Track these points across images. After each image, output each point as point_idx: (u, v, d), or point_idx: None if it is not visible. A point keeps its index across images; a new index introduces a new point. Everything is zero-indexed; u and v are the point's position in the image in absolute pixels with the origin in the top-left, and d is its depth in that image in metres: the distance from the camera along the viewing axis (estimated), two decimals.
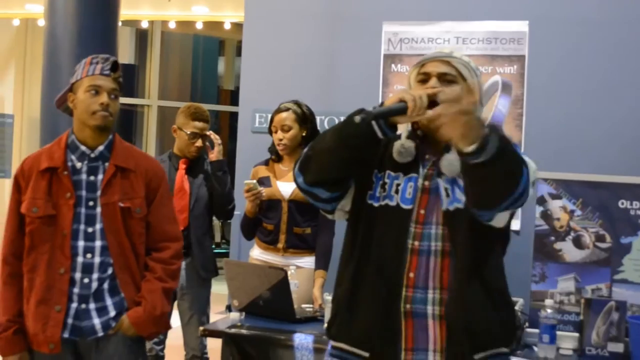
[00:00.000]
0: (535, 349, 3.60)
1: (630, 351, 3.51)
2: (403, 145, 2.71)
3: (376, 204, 2.70)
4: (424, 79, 2.72)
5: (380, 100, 5.60)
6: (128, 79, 11.72)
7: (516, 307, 3.69)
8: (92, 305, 3.26)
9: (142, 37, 11.51)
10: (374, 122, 2.57)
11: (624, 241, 3.76)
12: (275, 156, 4.72)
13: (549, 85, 5.30)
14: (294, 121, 4.61)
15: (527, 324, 3.78)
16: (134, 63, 11.72)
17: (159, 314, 3.33)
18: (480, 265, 2.62)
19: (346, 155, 2.63)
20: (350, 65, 5.76)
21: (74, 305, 3.25)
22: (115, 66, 3.34)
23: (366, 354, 2.66)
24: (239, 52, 12.19)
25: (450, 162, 2.61)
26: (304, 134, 4.64)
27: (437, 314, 2.60)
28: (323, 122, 5.60)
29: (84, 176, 3.31)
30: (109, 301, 3.29)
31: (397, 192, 2.70)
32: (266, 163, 4.78)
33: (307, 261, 4.56)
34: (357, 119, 2.52)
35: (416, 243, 2.64)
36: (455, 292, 2.59)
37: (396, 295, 2.62)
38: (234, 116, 12.22)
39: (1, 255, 3.37)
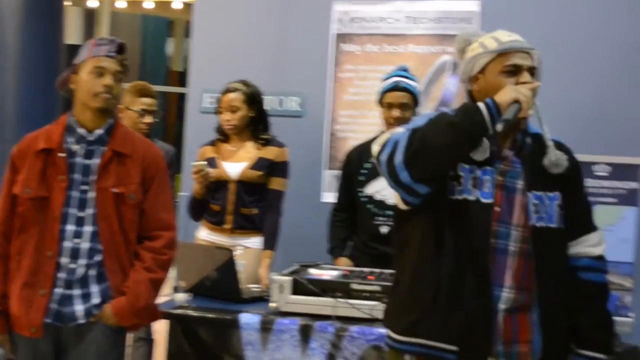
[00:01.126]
0: None
1: None
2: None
3: (457, 197, 2.68)
4: (513, 70, 2.75)
5: (329, 81, 5.57)
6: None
7: None
8: (76, 291, 3.20)
9: (89, 17, 11.35)
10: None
11: None
12: (223, 136, 4.67)
13: None
14: (243, 102, 4.57)
15: None
16: (82, 44, 11.57)
17: (143, 306, 3.24)
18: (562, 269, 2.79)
19: (465, 152, 2.63)
20: (300, 45, 5.72)
21: (59, 290, 3.18)
22: (121, 48, 3.28)
23: (456, 349, 2.66)
24: (188, 34, 12.07)
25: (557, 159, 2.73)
26: (251, 115, 4.60)
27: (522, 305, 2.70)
28: (273, 102, 5.57)
29: (79, 159, 3.24)
30: (94, 288, 3.21)
31: (474, 186, 2.69)
32: (212, 143, 4.73)
33: (255, 241, 4.54)
34: (498, 127, 2.56)
35: (493, 240, 2.67)
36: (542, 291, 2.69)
37: (488, 291, 2.65)
38: (182, 97, 12.10)
39: None
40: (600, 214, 3.66)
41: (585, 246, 2.81)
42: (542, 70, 2.84)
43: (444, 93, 5.37)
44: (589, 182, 3.76)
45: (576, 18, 5.25)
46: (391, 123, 4.24)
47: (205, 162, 4.55)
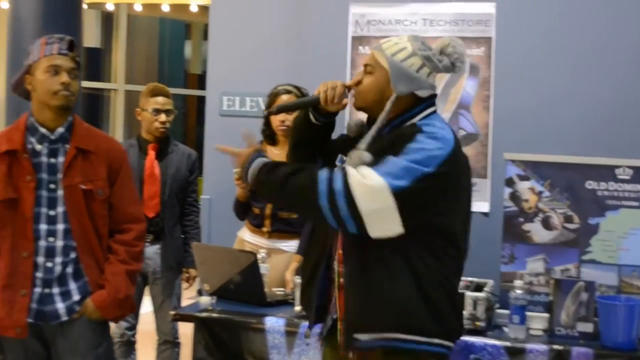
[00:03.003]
0: (506, 329, 3.62)
1: (599, 330, 3.53)
2: None
3: None
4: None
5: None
6: (94, 63, 11.62)
7: (486, 288, 3.72)
8: (55, 290, 3.25)
9: (107, 21, 11.40)
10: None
11: (592, 222, 3.78)
12: (269, 139, 4.68)
13: (517, 67, 5.31)
14: None
15: (497, 305, 3.80)
16: (100, 47, 11.60)
17: (123, 297, 3.32)
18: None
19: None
20: (317, 48, 5.73)
21: (38, 290, 3.23)
22: (71, 45, 3.30)
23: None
24: (205, 36, 12.08)
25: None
26: None
27: None
28: None
29: (44, 158, 3.28)
30: (72, 285, 3.27)
31: None
32: None
33: (293, 245, 4.54)
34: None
35: None
36: None
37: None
38: (201, 100, 12.15)
39: None
40: (624, 217, 3.70)
41: (353, 171, 2.84)
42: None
43: (462, 96, 5.37)
44: (611, 186, 3.75)
45: (593, 19, 5.24)
46: None
47: None
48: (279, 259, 4.43)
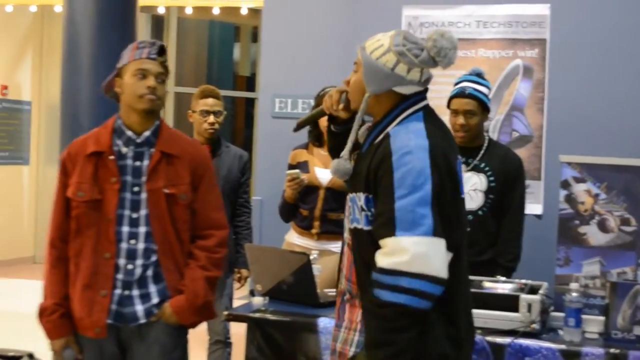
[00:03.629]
0: (561, 332, 3.59)
1: None
2: None
3: None
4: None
5: None
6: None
7: (540, 291, 3.69)
8: (135, 292, 3.25)
9: (158, 24, 11.50)
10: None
11: None
12: (316, 141, 4.70)
13: (572, 69, 5.28)
14: None
15: (552, 308, 3.77)
16: None
17: (201, 303, 3.30)
18: None
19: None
20: None
21: (118, 291, 3.24)
22: (161, 50, 3.32)
23: None
24: (254, 39, 12.16)
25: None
26: None
27: None
28: None
29: (129, 161, 3.29)
30: (152, 288, 3.27)
31: None
32: (306, 147, 4.76)
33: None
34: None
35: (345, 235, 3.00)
36: None
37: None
38: (250, 102, 12.20)
39: (48, 239, 3.36)
40: None
41: (379, 253, 2.64)
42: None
43: (515, 97, 5.35)
44: None
45: None
46: (457, 130, 4.20)
47: (298, 171, 4.58)
48: (329, 260, 4.43)
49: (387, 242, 2.59)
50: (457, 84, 4.34)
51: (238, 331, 4.32)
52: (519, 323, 3.49)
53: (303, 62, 5.89)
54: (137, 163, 3.30)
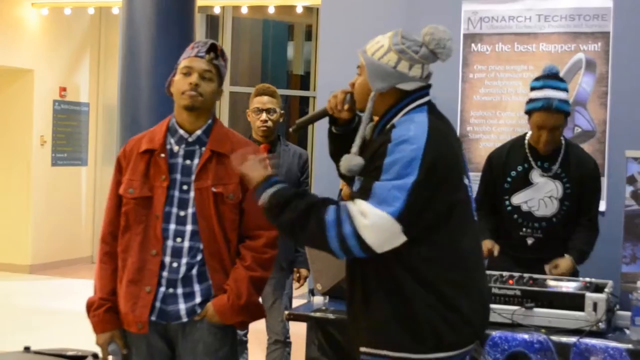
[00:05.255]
0: (627, 331, 3.53)
1: None
2: None
3: None
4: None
5: (460, 81, 5.54)
6: None
7: (606, 289, 3.63)
8: (179, 290, 3.26)
9: (213, 23, 11.56)
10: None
11: None
12: None
13: (635, 62, 5.19)
14: None
15: (618, 307, 3.70)
16: None
17: (244, 304, 3.27)
18: None
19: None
20: None
21: (162, 289, 3.25)
22: (210, 48, 3.32)
23: None
24: (308, 37, 12.17)
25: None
26: None
27: None
28: None
29: (180, 160, 3.31)
30: (196, 287, 3.27)
31: None
32: None
33: None
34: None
35: None
36: None
37: None
38: (303, 100, 12.22)
39: (100, 235, 3.41)
40: None
41: (355, 204, 2.82)
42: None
43: (578, 92, 5.27)
44: None
45: None
46: (541, 143, 4.10)
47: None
48: None
49: (359, 204, 2.76)
50: (535, 88, 4.13)
51: (296, 331, 4.31)
52: (584, 322, 3.44)
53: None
54: (187, 162, 3.31)
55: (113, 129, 9.37)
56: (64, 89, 11.21)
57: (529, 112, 4.14)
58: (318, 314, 3.78)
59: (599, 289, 3.67)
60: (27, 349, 4.39)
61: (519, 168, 4.19)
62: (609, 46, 5.16)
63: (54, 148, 11.08)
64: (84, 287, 9.90)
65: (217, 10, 10.55)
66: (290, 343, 5.09)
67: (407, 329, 2.82)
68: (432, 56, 2.91)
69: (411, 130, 2.80)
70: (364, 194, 2.78)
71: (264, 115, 4.92)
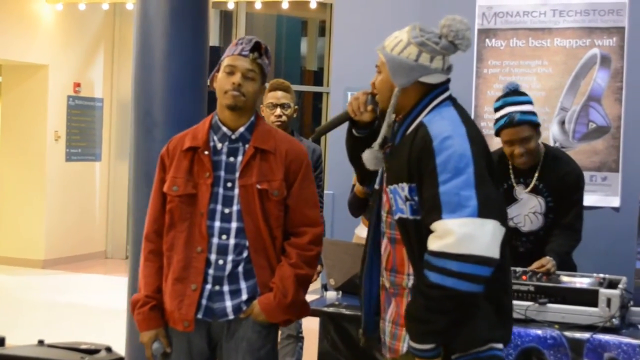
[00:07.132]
0: None
1: None
2: None
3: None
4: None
5: (474, 76, 5.53)
6: (213, 61, 11.73)
7: (620, 285, 3.62)
8: (225, 288, 3.24)
9: (227, 19, 11.57)
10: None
11: None
12: None
13: None
14: None
15: (631, 303, 3.69)
16: (219, 45, 11.79)
17: (290, 302, 3.26)
18: None
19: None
20: None
21: (208, 286, 3.24)
22: (255, 47, 3.30)
23: None
24: (321, 33, 12.17)
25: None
26: None
27: None
28: None
29: (223, 157, 3.30)
30: (242, 284, 3.26)
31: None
32: None
33: None
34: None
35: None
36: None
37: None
38: (317, 96, 12.22)
39: (144, 233, 3.39)
40: None
41: (430, 237, 2.69)
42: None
43: (592, 87, 5.25)
44: None
45: None
46: (516, 157, 4.07)
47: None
48: None
49: (435, 226, 2.65)
50: (497, 109, 4.15)
51: (309, 325, 4.31)
52: (598, 318, 3.44)
53: (375, 55, 5.83)
54: (231, 159, 3.29)
55: (127, 125, 9.36)
56: (78, 85, 11.24)
57: (497, 133, 4.15)
58: (331, 309, 3.80)
59: (612, 284, 3.67)
60: (40, 342, 4.42)
61: (504, 185, 4.17)
62: (624, 41, 5.14)
63: (68, 143, 11.12)
64: (97, 282, 9.98)
65: (231, 6, 10.55)
66: (302, 338, 5.09)
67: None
68: (452, 47, 2.87)
69: (449, 125, 2.75)
70: (434, 210, 2.65)
71: (278, 110, 4.92)
